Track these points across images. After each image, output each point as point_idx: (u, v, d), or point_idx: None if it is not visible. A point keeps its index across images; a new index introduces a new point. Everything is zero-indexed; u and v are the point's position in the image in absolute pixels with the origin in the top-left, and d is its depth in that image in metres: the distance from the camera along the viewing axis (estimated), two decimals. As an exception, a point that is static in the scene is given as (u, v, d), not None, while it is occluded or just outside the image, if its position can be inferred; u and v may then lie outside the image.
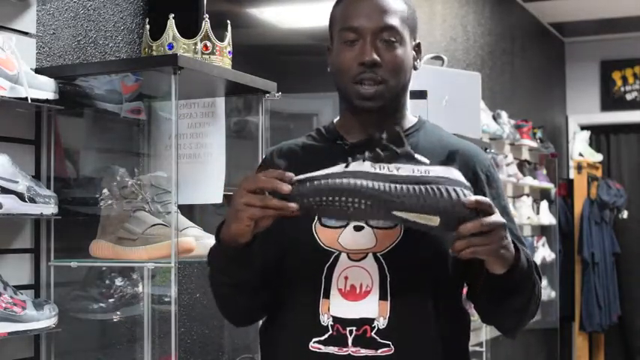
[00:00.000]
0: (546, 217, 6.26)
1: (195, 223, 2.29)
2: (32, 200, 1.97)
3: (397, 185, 1.40)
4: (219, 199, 2.43)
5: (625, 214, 7.08)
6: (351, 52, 1.61)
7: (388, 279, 1.56)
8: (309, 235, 1.61)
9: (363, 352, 1.54)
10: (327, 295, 1.57)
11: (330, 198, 1.41)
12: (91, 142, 2.43)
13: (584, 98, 7.66)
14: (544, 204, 6.26)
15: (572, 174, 6.98)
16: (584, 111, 7.67)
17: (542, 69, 7.13)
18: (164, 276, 2.29)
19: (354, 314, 1.56)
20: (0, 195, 1.90)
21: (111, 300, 2.25)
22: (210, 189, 2.42)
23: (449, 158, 1.47)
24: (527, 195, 6.01)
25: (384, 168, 1.43)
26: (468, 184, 1.44)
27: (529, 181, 5.89)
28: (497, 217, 1.42)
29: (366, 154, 1.45)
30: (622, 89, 7.60)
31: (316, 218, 1.62)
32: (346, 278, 1.57)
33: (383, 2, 1.63)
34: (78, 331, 2.27)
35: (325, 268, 1.59)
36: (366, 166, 1.43)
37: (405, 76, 1.65)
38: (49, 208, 2.02)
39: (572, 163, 7.06)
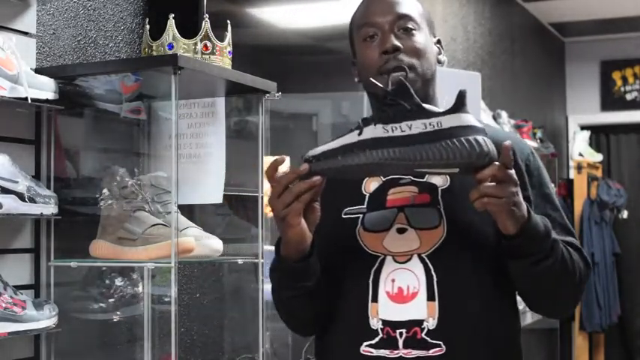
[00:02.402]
0: (546, 217, 6.25)
1: (195, 223, 2.28)
2: (32, 200, 1.96)
3: (414, 148, 1.42)
4: (219, 199, 2.44)
5: (625, 214, 7.07)
6: (373, 46, 1.66)
7: (435, 279, 1.57)
8: (354, 240, 1.62)
9: (415, 353, 1.55)
10: (375, 299, 1.59)
11: (349, 173, 1.46)
12: (91, 142, 2.43)
13: (584, 98, 7.66)
14: (544, 204, 6.26)
15: (572, 174, 6.97)
16: (584, 111, 7.67)
17: (542, 69, 7.12)
18: (164, 276, 2.29)
19: (402, 316, 1.56)
20: (0, 195, 1.90)
21: (111, 300, 2.25)
22: (210, 189, 2.42)
23: (458, 102, 1.45)
24: (527, 195, 6.00)
25: (396, 129, 1.43)
26: (481, 125, 1.44)
27: (529, 181, 5.89)
28: (512, 172, 1.44)
29: (376, 116, 1.46)
30: (622, 89, 7.60)
31: (359, 223, 1.63)
32: (393, 281, 1.58)
33: None
34: (78, 331, 2.27)
35: (372, 272, 1.60)
36: (379, 131, 1.44)
37: (430, 62, 1.67)
38: (49, 208, 2.02)
39: (572, 163, 7.06)
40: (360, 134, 1.45)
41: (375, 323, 1.58)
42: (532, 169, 1.69)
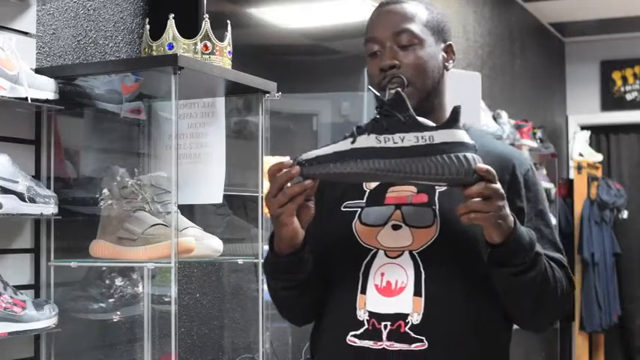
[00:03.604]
0: (546, 217, 6.25)
1: (195, 223, 2.29)
2: (32, 200, 1.96)
3: (404, 161, 1.46)
4: (219, 199, 2.44)
5: (625, 214, 7.07)
6: (374, 62, 1.71)
7: (423, 276, 1.60)
8: (349, 233, 1.68)
9: (397, 346, 1.58)
10: (364, 291, 1.63)
11: (340, 179, 1.51)
12: (91, 142, 2.43)
13: (584, 98, 7.65)
14: (544, 204, 6.26)
15: (572, 174, 6.97)
16: (584, 111, 7.67)
17: (542, 69, 7.12)
18: (164, 276, 2.29)
19: (388, 309, 1.60)
20: (0, 195, 1.90)
21: (111, 300, 2.25)
22: (210, 189, 2.42)
23: (452, 118, 1.50)
24: (527, 195, 6.00)
25: (389, 140, 1.48)
26: (472, 143, 1.48)
27: (529, 181, 5.88)
28: (498, 186, 1.49)
29: (370, 125, 1.50)
30: (622, 89, 7.59)
31: (356, 217, 1.69)
32: (382, 274, 1.63)
33: (399, 10, 1.72)
34: (78, 331, 2.27)
35: (363, 265, 1.64)
36: (372, 140, 1.49)
37: (431, 76, 1.70)
38: (49, 208, 2.02)
39: (572, 163, 7.05)
40: (353, 142, 1.50)
41: (362, 314, 1.62)
42: (530, 184, 1.73)
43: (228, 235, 2.51)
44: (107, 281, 2.26)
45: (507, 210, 1.52)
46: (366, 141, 1.49)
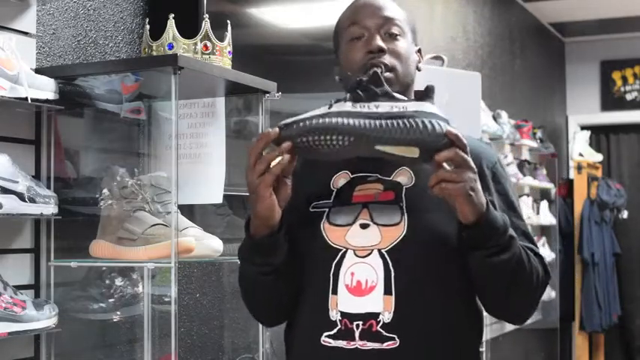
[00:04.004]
0: (546, 217, 6.26)
1: (195, 223, 2.29)
2: (32, 200, 1.96)
3: (376, 121, 1.50)
4: (219, 199, 2.44)
5: (625, 214, 7.07)
6: (358, 45, 1.71)
7: (392, 274, 1.60)
8: (318, 233, 1.67)
9: (370, 345, 1.59)
10: (335, 291, 1.63)
11: (317, 137, 1.52)
12: (91, 142, 2.43)
13: (584, 98, 7.66)
14: (544, 204, 6.26)
15: (572, 174, 6.98)
16: (584, 111, 7.67)
17: (542, 69, 7.13)
18: (164, 276, 2.29)
19: (360, 309, 1.60)
20: (0, 195, 1.90)
21: (111, 300, 2.25)
22: (210, 189, 2.42)
23: (425, 94, 1.54)
24: (527, 195, 6.01)
25: (364, 107, 1.52)
26: (443, 116, 1.51)
27: (529, 181, 5.89)
28: (469, 158, 1.50)
29: (348, 95, 1.54)
30: (622, 89, 7.60)
31: (325, 217, 1.68)
32: (352, 274, 1.62)
33: (384, 3, 1.75)
34: (78, 331, 2.27)
35: (333, 265, 1.64)
36: (347, 106, 1.53)
37: (410, 68, 1.74)
38: (49, 208, 2.02)
39: (572, 163, 7.06)
40: (329, 108, 1.53)
41: (335, 315, 1.62)
42: (498, 177, 1.74)
43: (228, 235, 2.50)
44: (107, 281, 2.26)
45: (479, 185, 1.52)
46: (342, 107, 1.53)
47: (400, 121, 1.48)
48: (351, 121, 1.50)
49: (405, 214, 1.64)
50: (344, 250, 1.64)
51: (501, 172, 1.75)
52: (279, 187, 1.58)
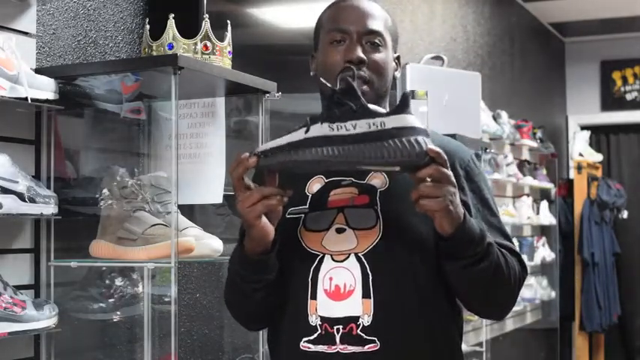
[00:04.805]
0: (546, 217, 6.26)
1: (195, 223, 2.29)
2: (32, 200, 1.96)
3: (356, 146, 1.49)
4: (219, 199, 2.44)
5: (625, 214, 7.07)
6: (338, 51, 1.70)
7: (370, 278, 1.61)
8: (296, 239, 1.68)
9: (351, 349, 1.60)
10: (314, 297, 1.64)
11: (297, 167, 1.52)
12: (91, 142, 2.43)
13: (584, 98, 7.66)
14: (544, 204, 6.26)
15: (572, 174, 6.97)
16: (584, 111, 7.67)
17: (542, 69, 7.13)
18: (164, 276, 2.29)
19: (339, 313, 1.61)
20: (0, 195, 1.90)
21: (111, 300, 2.25)
22: (210, 189, 2.42)
23: (402, 104, 1.51)
24: (527, 195, 6.01)
25: (341, 128, 1.50)
26: (423, 127, 1.50)
27: (529, 181, 5.89)
28: (449, 172, 1.50)
29: (323, 114, 1.53)
30: (622, 89, 7.60)
31: (301, 223, 1.69)
32: (331, 279, 1.63)
33: (369, 9, 1.73)
34: (78, 331, 2.27)
35: (311, 270, 1.65)
36: (325, 129, 1.51)
37: (387, 79, 1.73)
38: (49, 208, 2.02)
39: (572, 163, 7.06)
40: (307, 132, 1.52)
41: (314, 320, 1.62)
42: (472, 175, 1.74)
43: (228, 235, 2.50)
44: (107, 281, 2.26)
45: (458, 199, 1.53)
46: (320, 130, 1.51)
47: (380, 144, 1.47)
48: (330, 150, 1.49)
49: (381, 218, 1.64)
50: (321, 255, 1.65)
51: (474, 169, 1.75)
52: (269, 211, 1.58)
